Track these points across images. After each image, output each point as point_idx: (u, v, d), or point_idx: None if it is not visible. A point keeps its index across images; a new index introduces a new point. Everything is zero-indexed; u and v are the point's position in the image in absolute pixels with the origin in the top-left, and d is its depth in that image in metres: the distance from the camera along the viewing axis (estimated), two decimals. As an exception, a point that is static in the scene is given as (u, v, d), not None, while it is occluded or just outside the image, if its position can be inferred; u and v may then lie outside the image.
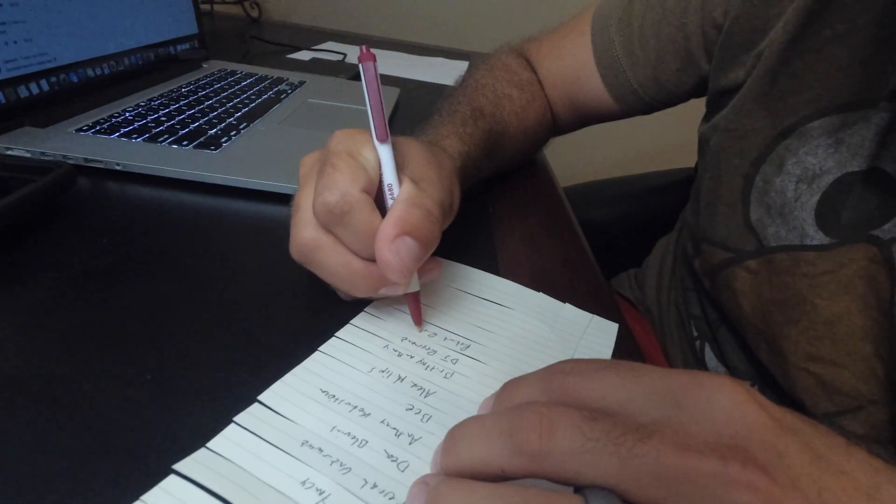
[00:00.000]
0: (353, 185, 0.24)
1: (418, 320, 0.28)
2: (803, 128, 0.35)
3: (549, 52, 0.52)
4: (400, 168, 0.26)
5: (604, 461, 0.15)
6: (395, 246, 0.23)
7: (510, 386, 0.20)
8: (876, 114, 0.32)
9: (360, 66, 0.26)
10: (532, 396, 0.19)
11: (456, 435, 0.18)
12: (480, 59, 0.54)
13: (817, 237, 0.35)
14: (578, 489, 0.16)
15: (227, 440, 0.20)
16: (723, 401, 0.16)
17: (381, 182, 0.26)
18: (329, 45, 0.96)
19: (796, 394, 0.38)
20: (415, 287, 0.27)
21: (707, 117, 0.45)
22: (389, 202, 0.26)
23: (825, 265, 0.35)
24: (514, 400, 0.19)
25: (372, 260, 0.25)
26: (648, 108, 0.50)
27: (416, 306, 0.28)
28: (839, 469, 0.16)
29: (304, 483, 0.19)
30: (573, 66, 0.50)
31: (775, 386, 0.40)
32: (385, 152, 0.26)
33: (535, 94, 0.51)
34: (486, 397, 0.21)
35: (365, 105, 0.26)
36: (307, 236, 0.25)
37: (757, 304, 0.39)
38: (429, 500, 0.17)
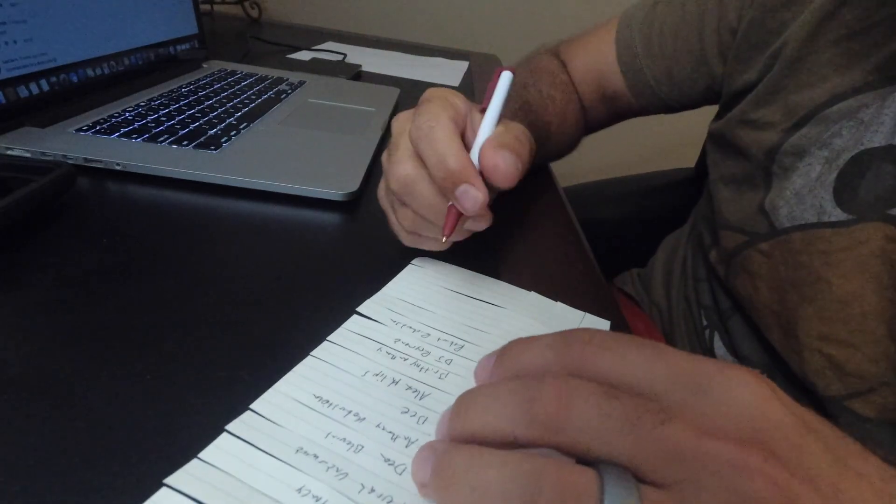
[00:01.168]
0: (443, 112, 0.27)
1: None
2: (820, 115, 0.36)
3: (578, 49, 0.55)
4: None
5: (621, 439, 0.15)
6: (495, 153, 0.26)
7: (516, 348, 0.19)
8: (892, 93, 0.33)
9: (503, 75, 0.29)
10: (543, 361, 0.18)
11: (467, 401, 0.18)
12: (522, 60, 0.57)
13: (835, 213, 0.35)
14: (590, 463, 0.15)
15: (219, 450, 0.20)
16: (747, 394, 0.16)
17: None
18: (329, 45, 0.96)
19: (807, 376, 0.38)
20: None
21: (720, 115, 0.47)
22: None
23: (841, 242, 0.35)
24: (521, 363, 0.19)
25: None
26: (665, 106, 0.52)
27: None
28: (857, 472, 0.16)
29: (300, 490, 0.19)
30: (598, 61, 0.53)
31: (787, 371, 0.40)
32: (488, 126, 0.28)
33: (571, 95, 0.54)
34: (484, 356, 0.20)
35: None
36: (406, 168, 0.28)
37: (773, 286, 0.40)
38: (437, 464, 0.16)
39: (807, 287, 0.37)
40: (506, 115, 0.41)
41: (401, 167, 0.28)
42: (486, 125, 0.28)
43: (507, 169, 0.26)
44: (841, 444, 0.16)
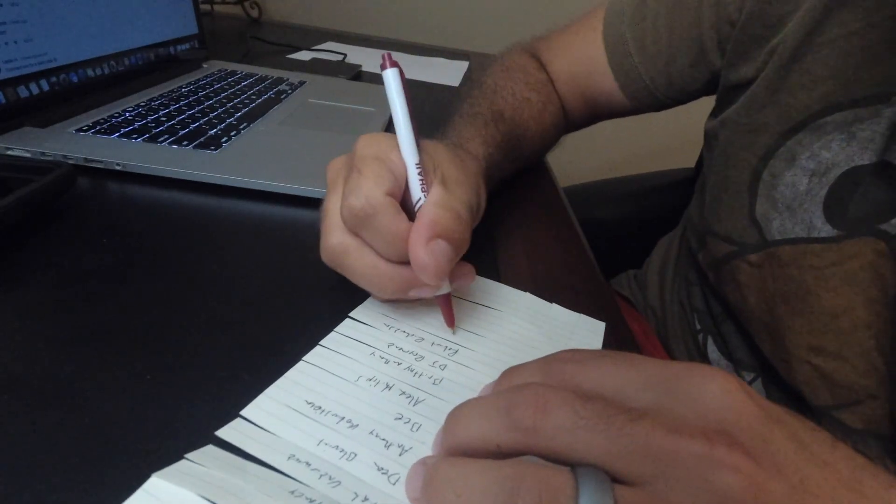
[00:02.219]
0: (378, 188, 0.24)
1: (451, 322, 0.28)
2: (816, 123, 0.35)
3: (561, 49, 0.53)
4: (427, 172, 0.27)
5: (594, 438, 0.15)
6: (430, 248, 0.24)
7: (510, 373, 0.20)
8: (887, 108, 0.32)
9: (384, 75, 0.26)
10: (526, 382, 0.19)
11: (456, 414, 0.18)
12: (495, 59, 0.54)
13: (825, 229, 0.35)
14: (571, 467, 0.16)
15: (208, 456, 0.19)
16: (713, 389, 0.16)
17: (407, 186, 0.26)
18: (329, 45, 0.96)
19: (797, 386, 0.38)
20: (446, 289, 0.27)
21: (715, 112, 0.46)
22: (418, 205, 0.26)
23: (831, 257, 0.35)
24: (509, 385, 0.20)
25: (399, 263, 0.25)
26: (660, 105, 0.50)
27: (448, 308, 0.28)
28: (822, 460, 0.16)
29: (293, 493, 0.18)
30: (585, 63, 0.51)
31: (777, 378, 0.40)
32: (411, 158, 0.26)
33: (550, 95, 0.51)
34: (485, 384, 0.22)
35: (394, 115, 0.26)
36: (335, 241, 0.25)
37: (761, 297, 0.39)
38: (426, 477, 0.17)
39: (796, 300, 0.37)
40: (478, 126, 0.40)
41: (332, 237, 0.26)
42: (410, 167, 0.26)
43: (436, 268, 0.24)
44: (808, 434, 0.17)
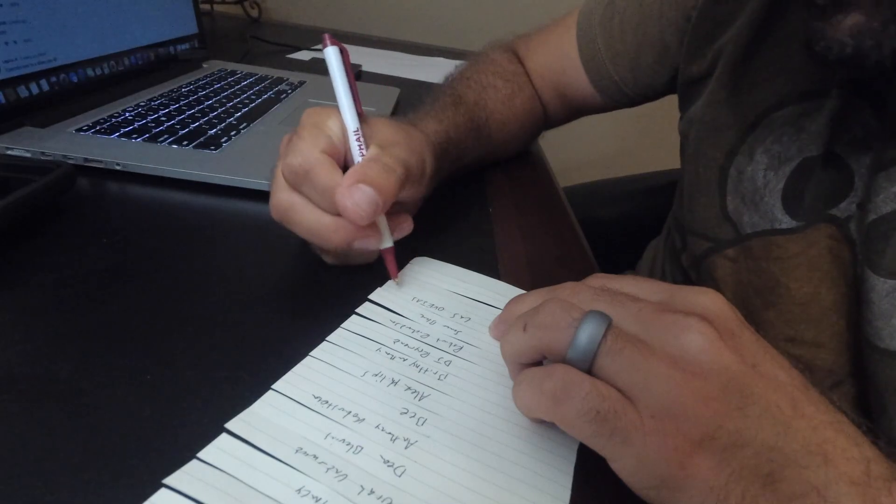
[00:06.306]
0: (313, 148, 0.27)
1: (394, 273, 0.30)
2: (768, 118, 0.37)
3: (538, 46, 0.55)
4: (367, 139, 0.29)
5: (601, 304, 0.21)
6: (349, 191, 0.26)
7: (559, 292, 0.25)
8: (829, 101, 0.34)
9: (325, 52, 0.29)
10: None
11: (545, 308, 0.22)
12: (469, 56, 0.56)
13: (785, 220, 0.37)
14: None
15: (218, 450, 0.20)
16: (705, 298, 0.21)
17: (349, 152, 0.28)
18: (329, 44, 0.95)
19: None
20: (388, 243, 0.29)
21: (681, 111, 0.47)
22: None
23: (795, 247, 0.36)
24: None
25: (341, 216, 0.27)
26: (630, 101, 0.52)
27: (392, 261, 0.30)
28: (780, 364, 0.20)
29: (299, 491, 0.19)
30: (560, 60, 0.52)
31: None
32: (351, 126, 0.28)
33: (522, 84, 0.53)
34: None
35: (335, 89, 0.29)
36: (282, 197, 0.28)
37: (737, 292, 0.40)
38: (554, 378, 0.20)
39: (768, 292, 0.38)
40: (435, 109, 0.41)
41: (278, 194, 0.28)
42: (349, 121, 0.28)
43: (356, 208, 0.25)
44: (772, 351, 0.20)
